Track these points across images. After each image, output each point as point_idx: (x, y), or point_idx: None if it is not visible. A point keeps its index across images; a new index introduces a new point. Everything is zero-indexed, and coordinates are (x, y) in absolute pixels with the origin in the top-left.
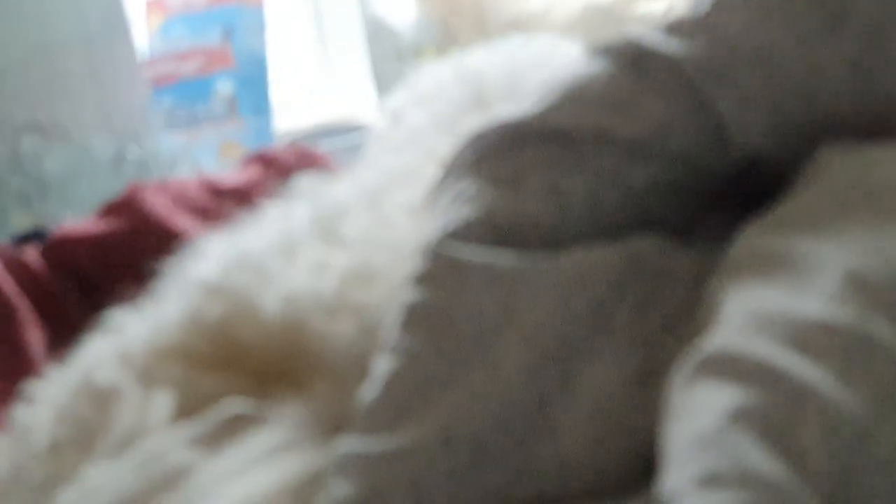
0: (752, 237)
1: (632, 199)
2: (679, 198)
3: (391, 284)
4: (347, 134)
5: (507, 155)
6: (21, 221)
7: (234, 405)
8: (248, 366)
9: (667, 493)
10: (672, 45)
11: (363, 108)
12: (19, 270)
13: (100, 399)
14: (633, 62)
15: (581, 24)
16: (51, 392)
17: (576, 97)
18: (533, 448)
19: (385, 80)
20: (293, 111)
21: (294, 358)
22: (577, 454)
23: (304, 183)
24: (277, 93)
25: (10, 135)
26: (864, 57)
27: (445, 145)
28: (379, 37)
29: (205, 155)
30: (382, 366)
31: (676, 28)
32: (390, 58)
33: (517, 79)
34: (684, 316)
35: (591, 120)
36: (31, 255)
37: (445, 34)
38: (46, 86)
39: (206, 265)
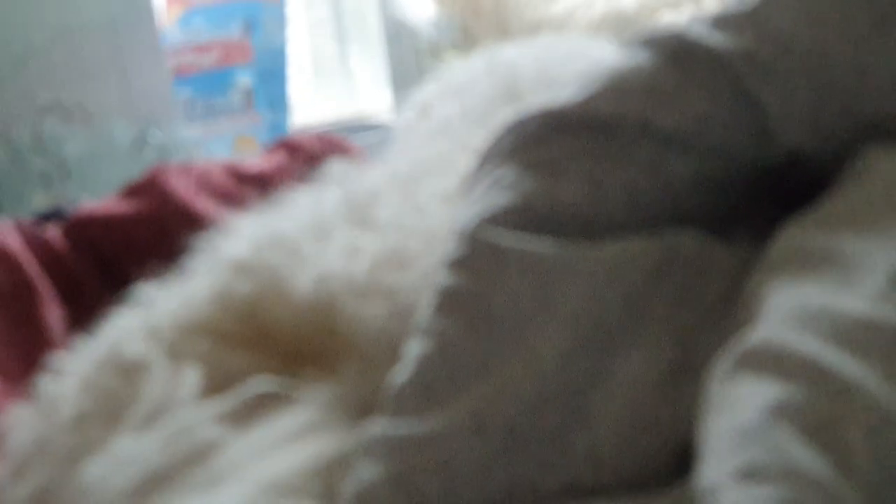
0: (796, 234)
1: (671, 191)
2: (719, 192)
3: (423, 270)
4: (363, 132)
5: (546, 143)
6: (41, 202)
7: (262, 383)
8: (276, 345)
9: (705, 485)
10: (718, 39)
11: (380, 107)
12: (41, 248)
13: (127, 372)
14: (676, 54)
15: (602, 30)
16: (77, 363)
17: (618, 87)
18: (566, 438)
19: (403, 79)
20: (310, 108)
21: (324, 339)
22: (611, 446)
23: (336, 168)
24: (295, 89)
25: (32, 116)
26: None
27: (478, 137)
28: (398, 36)
29: (219, 148)
30: (414, 349)
31: (723, 22)
32: (409, 58)
33: (549, 73)
34: (722, 311)
35: (633, 110)
36: (53, 232)
37: (465, 36)
38: (69, 68)
39: (236, 243)
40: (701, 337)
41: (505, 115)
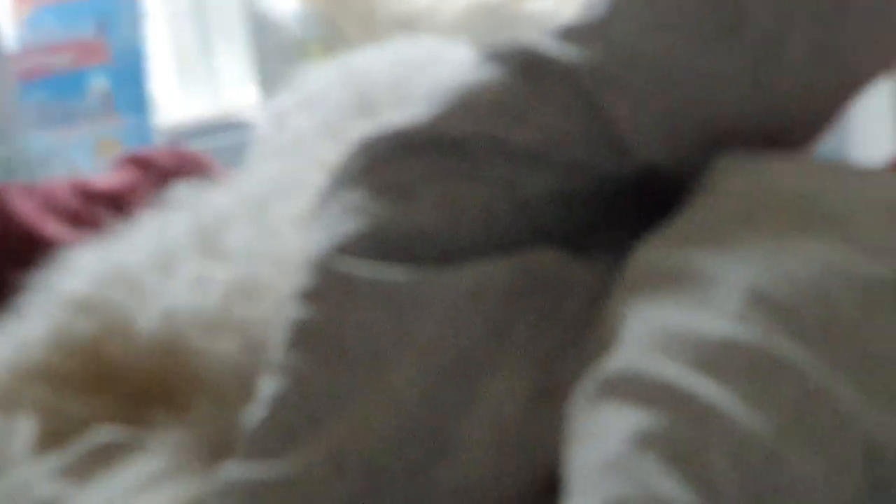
0: (651, 251)
1: (526, 210)
2: (575, 209)
3: (277, 299)
4: (229, 131)
5: (396, 165)
6: None
7: (105, 432)
8: (121, 387)
9: None
10: (566, 52)
11: (245, 104)
12: None
13: None
14: (525, 69)
15: (468, 21)
16: None
17: (467, 105)
18: (430, 472)
19: (268, 75)
20: (172, 107)
21: (172, 379)
22: (477, 476)
23: (183, 191)
24: (156, 88)
25: None
26: (758, 65)
27: (330, 152)
28: (262, 31)
29: (80, 154)
30: (268, 387)
31: (570, 34)
32: (274, 53)
33: (404, 82)
34: (583, 330)
35: (484, 128)
36: None
37: (331, 30)
38: None
39: (74, 279)
40: (562, 358)
41: (358, 129)
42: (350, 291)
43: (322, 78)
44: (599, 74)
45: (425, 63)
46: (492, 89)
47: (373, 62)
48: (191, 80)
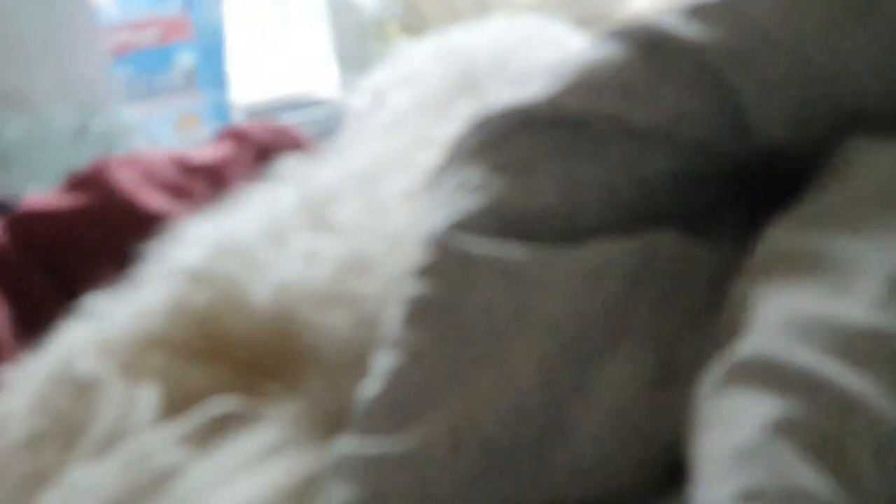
0: (782, 234)
1: (647, 190)
2: (697, 189)
3: (388, 275)
4: (306, 109)
5: (515, 141)
6: None
7: (223, 402)
8: (236, 358)
9: None
10: (692, 30)
11: (323, 83)
12: None
13: (80, 390)
14: (650, 47)
15: (551, 7)
16: (27, 380)
17: (589, 82)
18: (546, 453)
19: (347, 55)
20: (252, 85)
21: (285, 351)
22: (593, 459)
23: (289, 165)
24: (236, 66)
25: None
26: (891, 47)
27: (435, 129)
28: (341, 11)
29: (162, 128)
30: (384, 362)
31: (697, 13)
32: (352, 33)
33: (506, 60)
34: (706, 313)
35: (605, 106)
36: None
37: (410, 11)
38: (4, 52)
39: (190, 250)
40: (684, 342)
41: (462, 107)
42: (469, 268)
43: (420, 55)
44: (726, 53)
45: (527, 40)
46: (614, 67)
47: (473, 39)
48: (270, 58)
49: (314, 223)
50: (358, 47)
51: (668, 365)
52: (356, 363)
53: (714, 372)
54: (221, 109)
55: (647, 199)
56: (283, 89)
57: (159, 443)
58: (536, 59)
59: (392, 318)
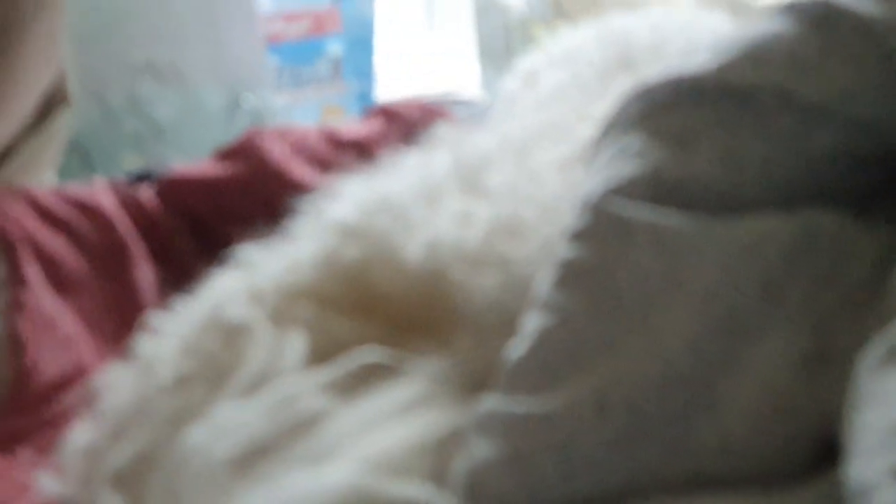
0: None
1: (810, 167)
2: (862, 170)
3: (539, 240)
4: (451, 106)
5: (678, 110)
6: (133, 163)
7: (370, 353)
8: (384, 313)
9: (856, 482)
10: (867, 6)
11: (467, 82)
12: (134, 208)
13: (229, 335)
14: (821, 21)
15: (701, 7)
16: (177, 325)
17: (756, 55)
18: (692, 425)
19: (491, 55)
20: (397, 80)
21: (434, 308)
22: (741, 434)
23: (443, 132)
24: (382, 60)
25: (126, 77)
26: None
27: (593, 104)
28: (487, 10)
29: (307, 117)
30: (532, 323)
31: None
32: (498, 32)
33: (665, 43)
34: (865, 296)
35: (772, 80)
36: (146, 193)
37: (556, 11)
38: (163, 30)
39: (343, 206)
40: (840, 324)
41: (620, 84)
42: (624, 233)
43: (576, 38)
44: None
45: (685, 27)
46: (783, 40)
47: (631, 24)
48: (415, 56)
49: (468, 186)
50: (503, 47)
51: (823, 344)
52: (504, 325)
53: (875, 350)
54: (367, 102)
55: (809, 176)
56: (427, 88)
57: (305, 388)
58: (694, 44)
59: (542, 279)
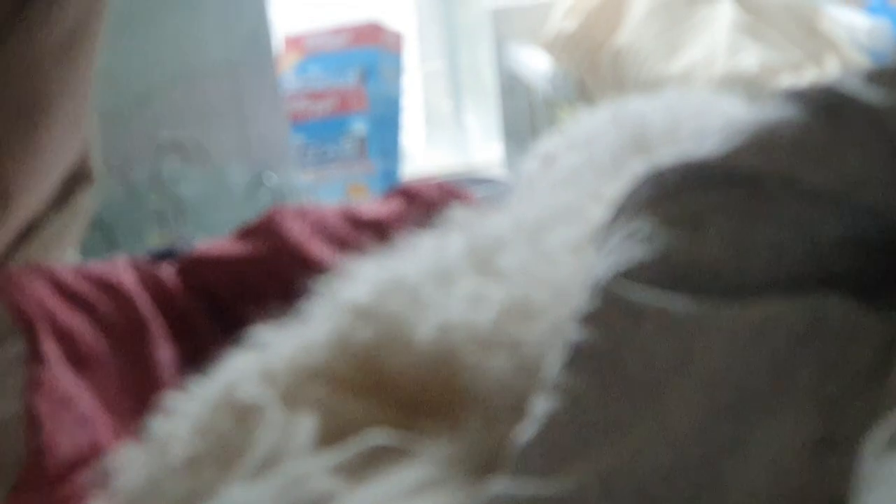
0: None
1: (818, 253)
2: (870, 257)
3: (551, 322)
4: (474, 185)
5: (686, 195)
6: (157, 240)
7: (379, 435)
8: (395, 394)
9: None
10: (872, 94)
11: (491, 160)
12: (154, 286)
13: (241, 415)
14: (828, 108)
15: (721, 90)
16: (190, 404)
17: (764, 140)
18: None
19: (516, 133)
20: (421, 158)
21: (444, 390)
22: None
23: (459, 214)
24: (407, 139)
25: (151, 155)
26: None
27: (608, 187)
28: (513, 90)
29: (331, 195)
30: (541, 406)
31: (878, 77)
32: (523, 112)
33: (679, 126)
34: (873, 382)
35: (781, 166)
36: (167, 271)
37: (581, 91)
38: (189, 109)
39: (356, 287)
40: (848, 409)
41: (634, 166)
42: (633, 317)
43: (593, 120)
44: None
45: (701, 111)
46: (791, 127)
47: (647, 106)
48: (441, 134)
49: (480, 268)
50: (528, 127)
51: (831, 428)
52: (514, 407)
53: (880, 434)
54: (392, 181)
55: (817, 262)
56: (451, 165)
57: (315, 469)
58: (708, 126)
59: (552, 362)
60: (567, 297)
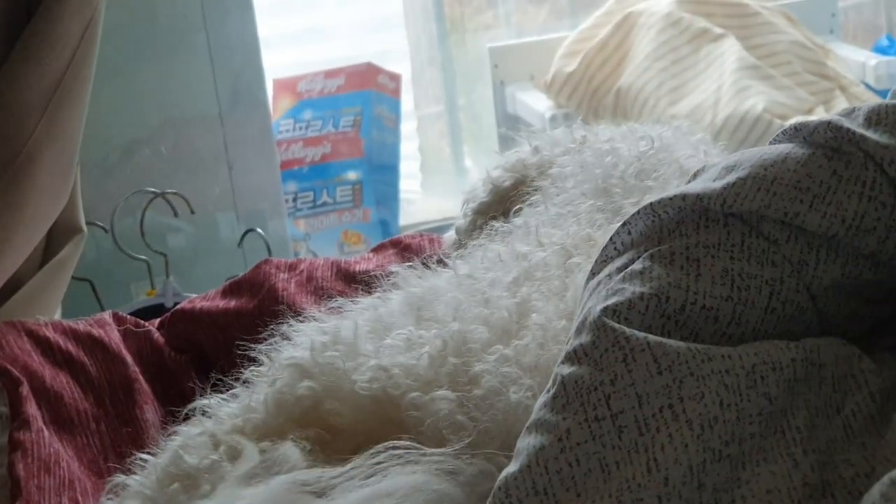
0: None
1: (815, 296)
2: (867, 302)
3: (494, 355)
4: None
5: (683, 232)
6: (143, 293)
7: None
8: (341, 443)
9: None
10: (873, 138)
11: None
12: (140, 343)
13: (186, 481)
14: (829, 150)
15: (724, 133)
16: (141, 479)
17: (765, 180)
18: None
19: None
20: (420, 204)
21: (390, 431)
22: None
23: (400, 272)
24: (405, 185)
25: (137, 207)
26: None
27: (558, 231)
28: (511, 139)
29: (326, 242)
30: (527, 441)
31: (878, 121)
32: None
33: (646, 163)
34: (869, 428)
35: (781, 206)
36: (153, 327)
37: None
38: (177, 159)
39: (296, 347)
40: (842, 454)
41: (587, 209)
42: (624, 354)
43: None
44: None
45: (669, 145)
46: (791, 166)
47: (614, 139)
48: (440, 179)
49: (416, 317)
50: None
51: (824, 474)
52: (469, 441)
53: (880, 485)
54: (389, 227)
55: (814, 305)
56: (450, 210)
57: None
58: (677, 163)
59: (541, 400)
60: (504, 334)
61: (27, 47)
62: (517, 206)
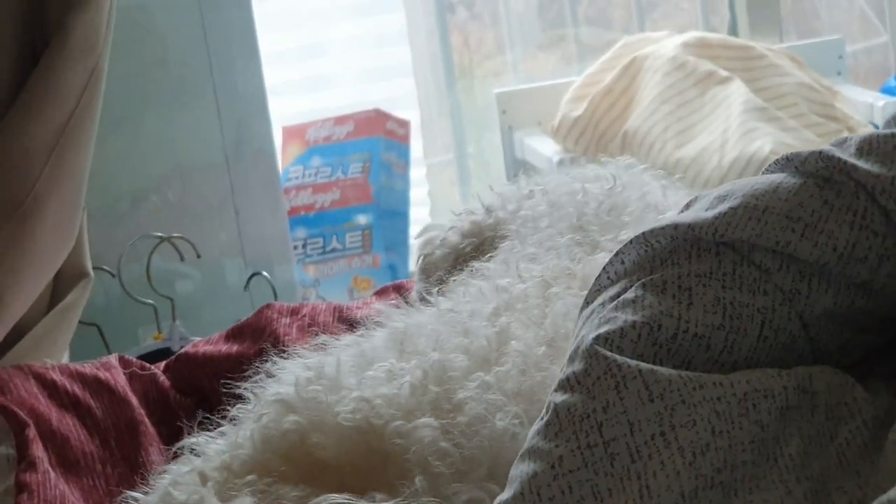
0: None
1: (807, 325)
2: (858, 328)
3: (470, 383)
4: None
5: (676, 261)
6: (150, 338)
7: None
8: (327, 476)
9: None
10: (864, 167)
11: None
12: (146, 386)
13: None
14: (820, 179)
15: (731, 174)
16: None
17: (756, 209)
18: None
19: None
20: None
21: (375, 461)
22: None
23: (386, 311)
24: (415, 230)
25: (144, 253)
26: None
27: (538, 266)
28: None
29: (335, 288)
30: (520, 468)
31: (869, 150)
32: None
33: (617, 202)
34: (862, 456)
35: (773, 236)
36: (159, 370)
37: None
38: (184, 206)
39: (280, 384)
40: (835, 483)
41: (566, 243)
42: (616, 382)
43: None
44: None
45: (628, 182)
46: (783, 195)
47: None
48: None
49: (398, 351)
50: None
51: (818, 501)
52: (456, 469)
53: None
54: (398, 272)
55: (806, 334)
56: None
57: None
58: (643, 199)
59: (535, 428)
60: (483, 361)
61: (32, 96)
62: (489, 255)
